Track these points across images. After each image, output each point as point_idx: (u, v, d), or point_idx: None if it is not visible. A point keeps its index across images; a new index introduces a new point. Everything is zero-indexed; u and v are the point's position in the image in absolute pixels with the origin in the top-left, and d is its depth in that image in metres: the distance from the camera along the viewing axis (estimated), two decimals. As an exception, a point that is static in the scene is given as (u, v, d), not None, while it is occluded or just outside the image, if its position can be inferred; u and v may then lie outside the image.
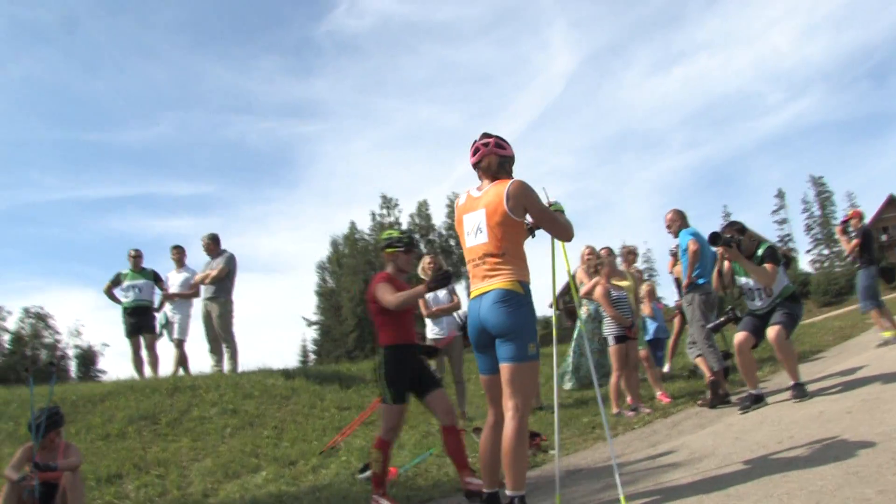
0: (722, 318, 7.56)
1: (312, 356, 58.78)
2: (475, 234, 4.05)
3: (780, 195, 76.21)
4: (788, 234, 74.82)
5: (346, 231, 61.68)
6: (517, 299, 3.89)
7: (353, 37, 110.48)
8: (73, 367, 64.59)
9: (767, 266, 6.49)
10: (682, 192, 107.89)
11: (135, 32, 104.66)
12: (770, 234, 70.78)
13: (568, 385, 9.75)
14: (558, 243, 4.57)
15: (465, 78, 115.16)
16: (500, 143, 4.20)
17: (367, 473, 5.76)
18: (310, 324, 61.19)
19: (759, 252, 6.67)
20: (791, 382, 6.36)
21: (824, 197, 75.26)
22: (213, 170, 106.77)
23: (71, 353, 65.98)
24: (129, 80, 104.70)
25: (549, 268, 4.77)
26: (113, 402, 8.52)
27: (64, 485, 5.47)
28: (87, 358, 64.58)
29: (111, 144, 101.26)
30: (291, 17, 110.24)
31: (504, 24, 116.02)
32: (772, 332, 6.33)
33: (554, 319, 5.92)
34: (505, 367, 3.84)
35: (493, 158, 4.15)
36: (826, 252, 73.30)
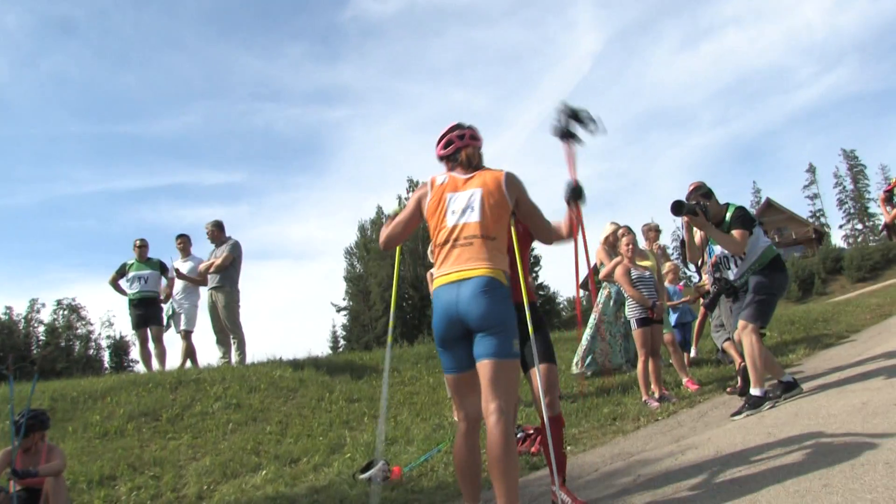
0: (713, 291, 6.89)
1: (343, 342, 58.72)
2: (462, 213, 3.62)
3: (811, 170, 74.80)
4: (820, 210, 73.49)
5: (373, 216, 61.26)
6: (503, 290, 3.47)
7: (379, 21, 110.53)
8: (105, 357, 65.24)
9: (736, 233, 5.80)
10: (712, 170, 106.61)
11: (162, 24, 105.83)
12: (802, 209, 69.48)
13: (588, 371, 9.25)
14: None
15: (492, 60, 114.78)
16: (476, 135, 3.88)
17: (369, 473, 5.36)
18: (339, 310, 61.07)
19: (728, 217, 5.98)
20: (754, 389, 5.67)
21: (857, 171, 73.81)
22: (242, 158, 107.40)
23: (104, 343, 66.57)
24: (158, 71, 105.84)
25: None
26: (114, 398, 8.21)
27: (47, 490, 5.19)
28: (120, 348, 65.05)
29: (142, 136, 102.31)
30: (316, 3, 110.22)
31: (530, 5, 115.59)
32: (739, 326, 5.81)
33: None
34: (487, 364, 3.36)
35: (473, 150, 3.83)
36: (860, 227, 71.89)
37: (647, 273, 7.47)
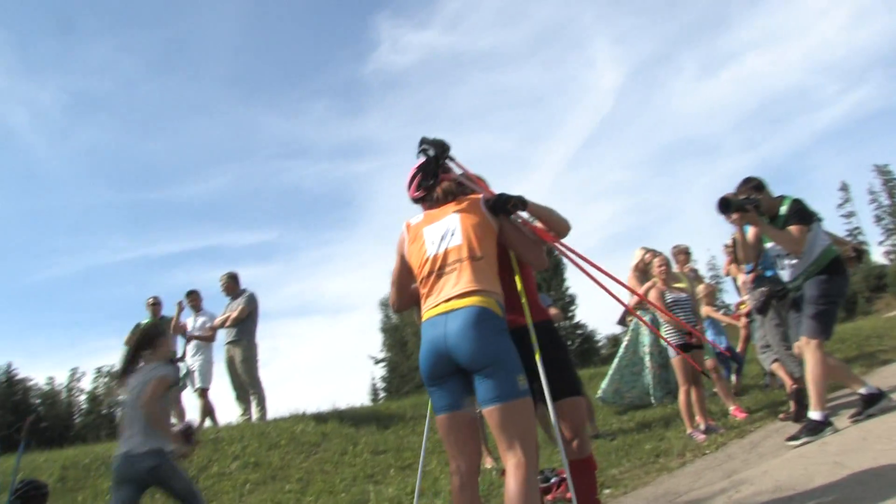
0: (763, 291, 6.15)
1: (382, 394, 58.20)
2: (442, 240, 3.26)
3: (845, 188, 73.14)
4: (857, 227, 71.66)
5: (405, 265, 61.34)
6: (497, 321, 3.04)
7: (400, 73, 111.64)
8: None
9: (793, 228, 5.06)
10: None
11: (187, 91, 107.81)
12: (838, 228, 68.01)
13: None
14: None
15: (514, 103, 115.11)
16: (447, 168, 3.58)
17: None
18: (377, 362, 60.71)
19: (783, 210, 5.24)
20: (814, 412, 4.91)
21: (892, 185, 72.10)
22: (273, 217, 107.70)
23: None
24: (185, 137, 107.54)
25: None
26: (128, 464, 7.81)
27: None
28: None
29: (173, 202, 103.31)
30: (336, 60, 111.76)
31: (548, 46, 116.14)
32: (802, 342, 5.08)
33: None
34: (493, 412, 2.92)
35: (448, 184, 3.52)
36: (900, 241, 70.16)
37: (684, 296, 6.96)
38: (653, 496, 4.61)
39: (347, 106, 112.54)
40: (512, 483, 2.79)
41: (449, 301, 3.09)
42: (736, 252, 5.66)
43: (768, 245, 5.44)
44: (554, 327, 3.62)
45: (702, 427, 6.43)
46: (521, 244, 3.41)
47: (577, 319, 51.04)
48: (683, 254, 8.82)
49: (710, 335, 8.52)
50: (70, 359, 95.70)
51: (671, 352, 6.81)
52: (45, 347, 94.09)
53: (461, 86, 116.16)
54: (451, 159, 3.58)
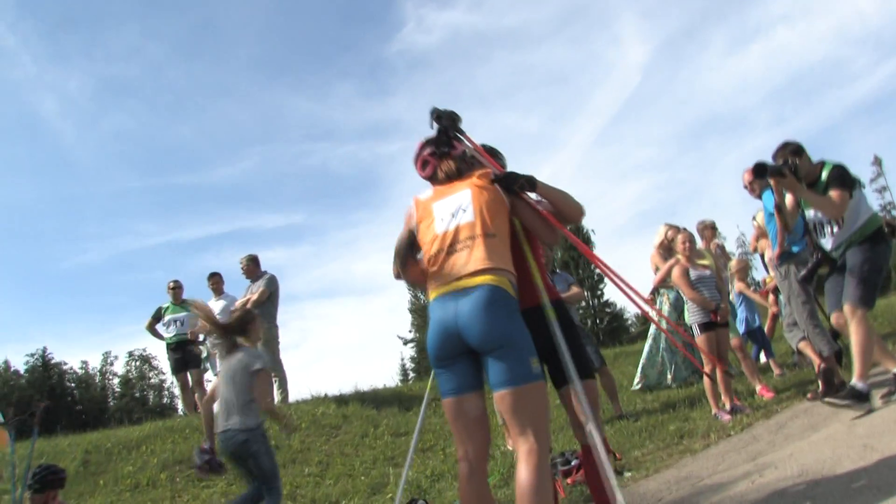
0: (811, 264, 5.95)
1: (412, 374, 58.45)
2: (453, 216, 3.14)
3: (878, 162, 71.78)
4: (890, 202, 70.48)
5: (432, 245, 61.37)
6: (510, 302, 2.93)
7: (425, 53, 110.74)
8: (179, 404, 66.17)
9: (833, 194, 4.82)
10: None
11: (212, 74, 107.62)
12: (871, 203, 66.77)
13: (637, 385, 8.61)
14: None
15: (540, 81, 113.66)
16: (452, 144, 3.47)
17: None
18: (405, 342, 60.94)
19: (823, 176, 4.98)
20: (858, 382, 4.69)
21: (927, 158, 70.70)
22: (300, 199, 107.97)
23: (176, 391, 67.51)
24: (212, 120, 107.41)
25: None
26: (149, 447, 7.86)
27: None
28: (192, 394, 65.86)
29: (201, 185, 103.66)
30: (361, 41, 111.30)
31: (573, 23, 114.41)
32: (846, 311, 4.83)
33: None
34: (505, 396, 2.82)
35: (452, 162, 3.41)
36: (936, 216, 68.83)
37: (708, 273, 6.77)
38: (675, 479, 4.48)
39: (373, 87, 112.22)
40: (523, 470, 2.70)
41: (460, 279, 2.98)
42: (784, 218, 5.41)
43: (809, 213, 5.22)
44: (564, 308, 3.48)
45: (727, 407, 6.27)
46: (534, 220, 3.30)
47: (605, 298, 50.82)
48: (710, 229, 8.60)
49: (742, 313, 8.32)
50: (103, 343, 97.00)
51: (695, 329, 6.64)
52: (78, 332, 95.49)
53: (487, 65, 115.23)
54: (462, 132, 3.47)
